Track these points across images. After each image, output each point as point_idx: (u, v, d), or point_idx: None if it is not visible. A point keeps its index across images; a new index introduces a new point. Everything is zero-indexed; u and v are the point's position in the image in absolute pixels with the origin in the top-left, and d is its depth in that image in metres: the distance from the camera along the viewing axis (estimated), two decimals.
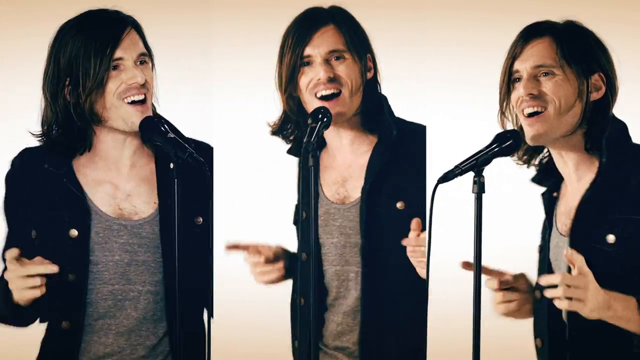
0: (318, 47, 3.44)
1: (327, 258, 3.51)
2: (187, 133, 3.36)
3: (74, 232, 3.22)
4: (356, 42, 3.46)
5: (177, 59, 4.14)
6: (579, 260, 2.97)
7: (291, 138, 3.57)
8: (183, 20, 4.22)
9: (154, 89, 3.31)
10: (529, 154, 3.28)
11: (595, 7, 3.89)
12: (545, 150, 3.27)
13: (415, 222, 3.33)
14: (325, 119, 3.22)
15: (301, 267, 3.50)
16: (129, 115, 3.20)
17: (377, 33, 3.53)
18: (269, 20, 4.16)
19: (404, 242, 3.35)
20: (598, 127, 3.14)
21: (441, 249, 3.12)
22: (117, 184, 3.28)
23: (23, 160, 3.30)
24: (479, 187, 2.89)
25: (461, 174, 2.94)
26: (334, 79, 3.42)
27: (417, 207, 3.43)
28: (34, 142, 3.29)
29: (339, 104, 3.42)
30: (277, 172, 3.81)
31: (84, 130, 3.23)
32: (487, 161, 2.96)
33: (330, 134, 3.50)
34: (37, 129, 3.28)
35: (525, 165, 3.29)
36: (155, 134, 3.12)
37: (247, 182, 4.13)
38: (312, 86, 3.44)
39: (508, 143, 3.01)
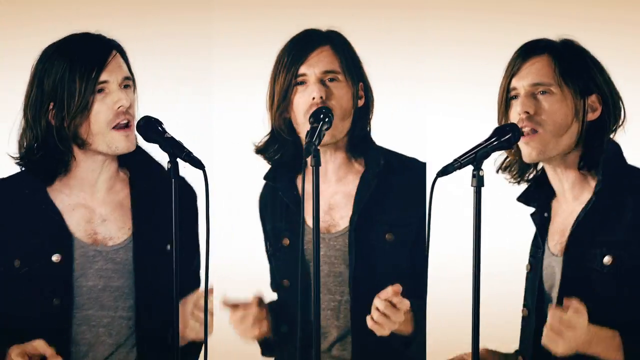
0: (313, 67, 3.41)
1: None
2: (187, 133, 3.34)
3: (57, 257, 3.20)
4: (351, 66, 3.44)
5: (177, 59, 4.15)
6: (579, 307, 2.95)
7: (275, 158, 3.53)
8: (183, 20, 4.23)
9: (135, 113, 3.26)
10: (521, 170, 3.26)
11: (595, 11, 3.90)
12: (538, 167, 3.25)
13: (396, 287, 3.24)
14: (327, 119, 3.21)
15: (285, 294, 3.50)
16: (114, 140, 3.19)
17: (378, 33, 3.52)
18: (269, 20, 4.18)
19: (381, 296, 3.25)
20: (593, 148, 3.13)
21: (440, 246, 3.11)
22: (93, 207, 3.26)
23: None
24: (478, 181, 2.89)
25: (460, 167, 2.93)
26: (326, 101, 3.37)
27: (406, 238, 3.42)
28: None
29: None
30: None
31: (63, 153, 3.20)
32: (486, 155, 2.95)
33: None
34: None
35: (517, 183, 3.28)
36: (153, 133, 3.12)
37: (247, 182, 4.11)
38: (307, 108, 3.39)
39: (507, 136, 3.00)
